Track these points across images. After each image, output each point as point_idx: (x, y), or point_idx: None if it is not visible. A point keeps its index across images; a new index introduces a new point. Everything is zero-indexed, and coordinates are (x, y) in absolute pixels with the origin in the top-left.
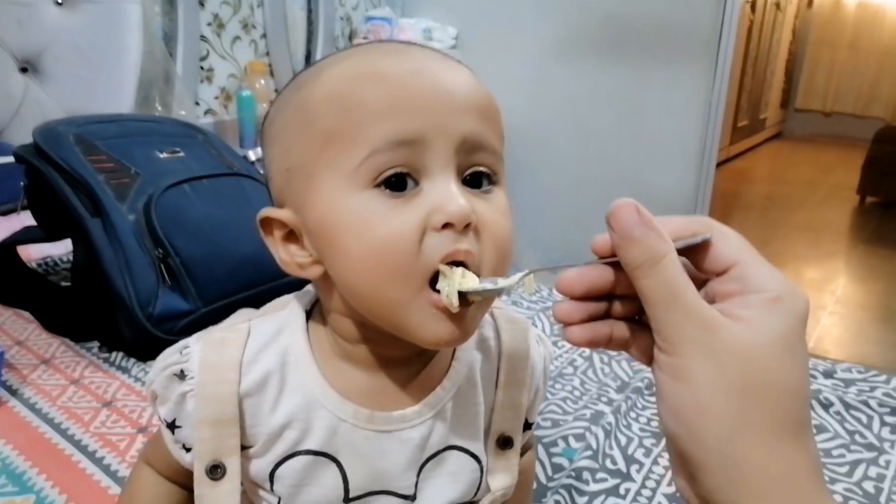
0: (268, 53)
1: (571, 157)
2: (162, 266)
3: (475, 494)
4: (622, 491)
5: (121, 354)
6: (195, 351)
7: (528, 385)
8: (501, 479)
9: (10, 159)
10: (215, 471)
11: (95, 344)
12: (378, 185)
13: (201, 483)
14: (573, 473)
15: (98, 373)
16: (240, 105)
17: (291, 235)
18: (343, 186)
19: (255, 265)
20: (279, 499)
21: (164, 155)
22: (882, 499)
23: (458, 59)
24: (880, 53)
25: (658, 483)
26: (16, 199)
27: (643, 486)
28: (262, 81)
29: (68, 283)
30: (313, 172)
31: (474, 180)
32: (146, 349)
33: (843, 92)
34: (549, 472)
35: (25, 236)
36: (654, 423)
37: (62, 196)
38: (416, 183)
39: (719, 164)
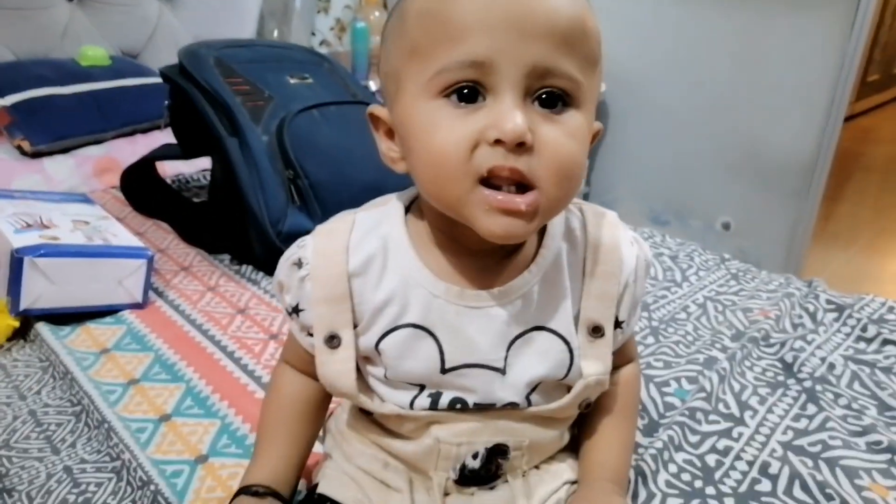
0: None
1: (680, 106)
2: (292, 186)
3: (566, 375)
4: (735, 434)
5: (250, 268)
6: (309, 241)
7: (616, 276)
8: (593, 366)
9: (157, 80)
10: (332, 340)
11: (227, 256)
12: (447, 95)
13: (321, 352)
14: (686, 412)
15: (231, 283)
16: (354, 37)
17: (391, 131)
18: (418, 94)
19: (375, 191)
20: (385, 370)
21: (293, 80)
22: None
23: None
24: None
25: (773, 430)
26: (155, 118)
27: (757, 431)
28: (377, 13)
29: (200, 199)
30: (401, 79)
31: (549, 100)
32: (274, 264)
33: None
34: (661, 409)
35: (164, 153)
36: (770, 374)
37: (204, 115)
38: (484, 97)
39: (843, 122)
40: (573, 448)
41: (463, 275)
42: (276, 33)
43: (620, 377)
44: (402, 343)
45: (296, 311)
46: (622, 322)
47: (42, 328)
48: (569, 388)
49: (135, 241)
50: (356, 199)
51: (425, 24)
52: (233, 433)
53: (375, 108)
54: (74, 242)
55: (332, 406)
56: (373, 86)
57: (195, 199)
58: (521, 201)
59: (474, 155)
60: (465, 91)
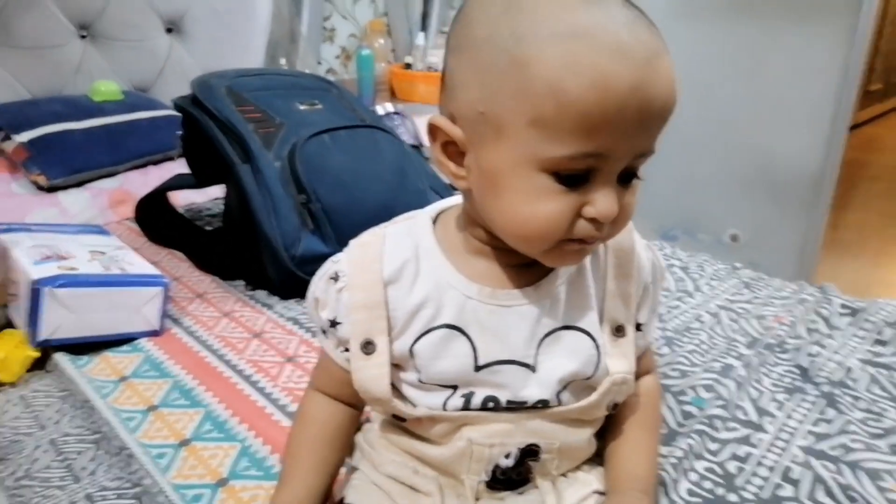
0: (386, 14)
1: (690, 121)
2: (305, 211)
3: (594, 372)
4: (755, 441)
5: (265, 293)
6: (343, 256)
7: (635, 278)
8: (619, 364)
9: (168, 112)
10: (368, 346)
11: (241, 282)
12: (555, 173)
13: (357, 358)
14: (705, 421)
15: (246, 308)
16: (359, 64)
17: (451, 147)
18: (525, 162)
19: (388, 212)
20: (418, 373)
21: (303, 107)
22: None
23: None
24: None
25: (793, 435)
26: (167, 149)
27: (777, 437)
28: (381, 41)
29: (212, 227)
30: (505, 131)
31: (629, 177)
32: (289, 288)
33: None
34: (679, 417)
35: (177, 182)
36: (787, 379)
37: (216, 143)
38: (587, 179)
39: (848, 131)
40: (600, 460)
41: (494, 276)
42: (283, 62)
43: (641, 387)
44: (436, 343)
45: (333, 324)
46: (642, 325)
47: (60, 358)
48: (593, 390)
49: (151, 270)
50: (368, 220)
51: (559, 104)
52: (252, 455)
53: (445, 125)
54: (92, 272)
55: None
56: (380, 110)
57: (208, 228)
58: (590, 249)
59: (569, 226)
60: (576, 177)
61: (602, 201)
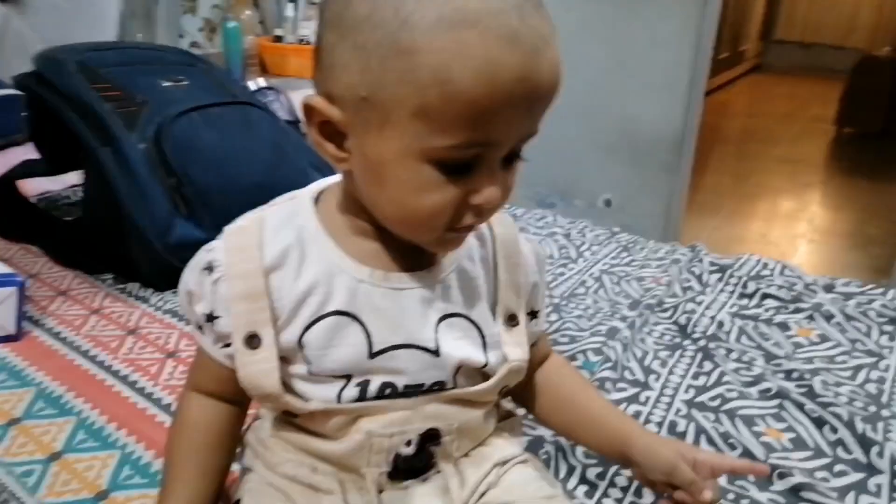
0: None
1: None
2: (176, 195)
3: (485, 362)
4: (642, 398)
5: (137, 285)
6: (218, 244)
7: (523, 268)
8: (515, 352)
9: (12, 91)
10: (252, 340)
11: (109, 276)
12: (440, 163)
13: (241, 353)
14: (596, 384)
15: (117, 303)
16: (226, 37)
17: (329, 127)
18: (409, 152)
19: (267, 192)
20: (308, 365)
21: (168, 83)
22: (884, 399)
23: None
24: None
25: (675, 391)
26: (11, 133)
27: (661, 393)
28: (248, 12)
29: (71, 218)
30: (392, 122)
31: (510, 158)
32: (164, 278)
33: (822, 22)
34: None
35: (26, 170)
36: (667, 337)
37: (70, 125)
38: (472, 166)
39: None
40: (496, 431)
41: (384, 259)
42: (140, 36)
43: (557, 363)
44: (327, 332)
45: (210, 319)
46: (536, 311)
47: None
48: (484, 376)
49: (2, 268)
50: (246, 202)
51: (445, 94)
52: (135, 463)
53: (322, 105)
54: None
55: (247, 419)
56: (251, 86)
57: (66, 218)
58: (470, 234)
59: (455, 215)
60: (461, 166)
61: (488, 189)
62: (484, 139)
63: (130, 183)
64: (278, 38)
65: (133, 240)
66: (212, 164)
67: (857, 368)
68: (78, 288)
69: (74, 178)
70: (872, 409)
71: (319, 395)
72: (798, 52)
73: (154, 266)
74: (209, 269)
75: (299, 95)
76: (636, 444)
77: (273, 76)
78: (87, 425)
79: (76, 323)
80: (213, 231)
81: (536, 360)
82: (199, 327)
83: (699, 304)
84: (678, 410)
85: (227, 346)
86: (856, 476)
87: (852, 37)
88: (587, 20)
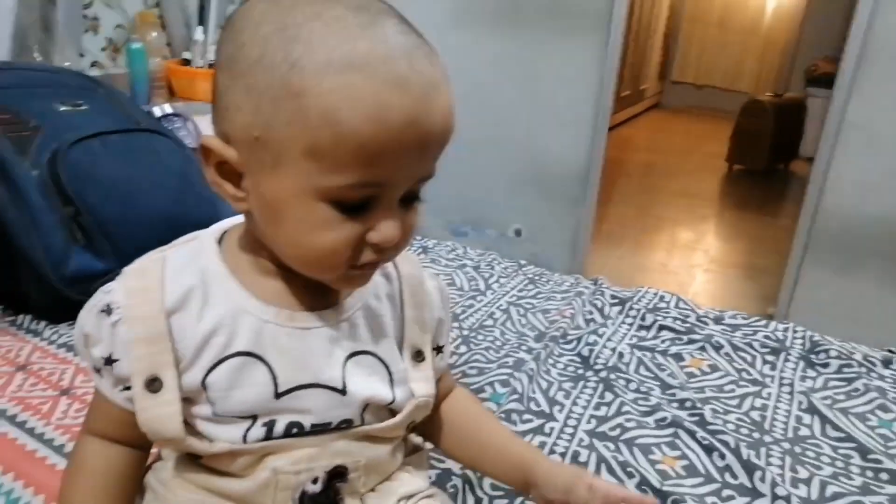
0: (158, 5)
1: (470, 123)
2: (74, 224)
3: (392, 399)
4: (547, 429)
5: (29, 317)
6: (117, 285)
7: (428, 305)
8: (422, 387)
9: None
10: (153, 383)
11: None
12: (335, 203)
13: (142, 398)
14: (502, 416)
15: (6, 336)
16: (130, 58)
17: (227, 167)
18: (306, 192)
19: (173, 223)
20: (212, 406)
21: (64, 108)
22: (766, 425)
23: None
24: (745, 32)
25: (578, 421)
26: None
27: (565, 424)
28: (154, 34)
29: None
30: (285, 162)
31: (411, 199)
32: (59, 311)
33: (713, 66)
34: None
35: None
36: (571, 368)
37: None
38: (368, 206)
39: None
40: (402, 466)
41: (289, 298)
42: (37, 55)
43: (461, 395)
44: (230, 374)
45: (109, 362)
46: (441, 346)
47: None
48: (391, 412)
49: None
50: (150, 233)
51: (335, 135)
52: None
53: (211, 142)
54: None
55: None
56: (157, 111)
57: None
58: (376, 272)
59: (354, 253)
60: (357, 205)
61: (385, 227)
62: (376, 179)
63: (21, 210)
64: (186, 62)
65: (24, 270)
66: (113, 193)
67: (743, 397)
68: None
69: None
70: (756, 435)
71: (224, 435)
72: (693, 92)
73: (48, 298)
74: (107, 311)
75: (207, 121)
76: (539, 468)
77: (181, 100)
78: None
79: None
80: (115, 261)
81: (441, 394)
82: (97, 370)
83: (601, 335)
84: (581, 440)
85: (127, 388)
86: (741, 500)
87: (739, 81)
88: (498, 56)
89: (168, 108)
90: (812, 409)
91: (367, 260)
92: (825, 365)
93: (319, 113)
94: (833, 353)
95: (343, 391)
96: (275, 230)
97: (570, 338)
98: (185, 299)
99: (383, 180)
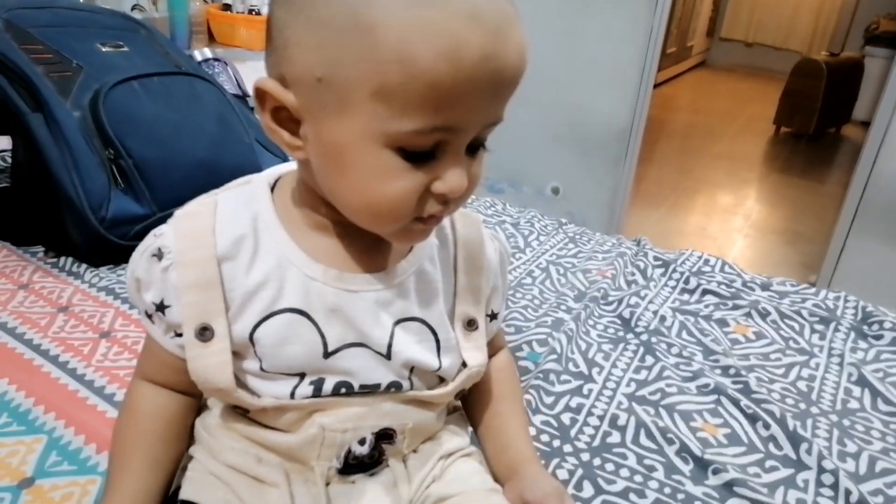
0: None
1: None
2: (113, 167)
3: (438, 366)
4: (585, 391)
5: (70, 259)
6: (168, 229)
7: (485, 272)
8: (474, 357)
9: None
10: (204, 332)
11: (40, 249)
12: (403, 149)
13: (193, 346)
14: (540, 375)
15: (48, 278)
16: (171, 2)
17: (285, 112)
18: (370, 137)
19: (211, 169)
20: (260, 361)
21: (106, 48)
22: (814, 396)
23: None
24: None
25: (618, 384)
26: None
27: (604, 386)
28: None
29: (5, 185)
30: (352, 104)
31: (474, 147)
32: (99, 254)
33: (765, 23)
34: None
35: None
36: (612, 330)
37: None
38: (436, 153)
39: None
40: (444, 425)
41: (339, 257)
42: None
43: (500, 364)
44: (279, 329)
45: (160, 308)
46: (496, 314)
47: None
48: (440, 379)
49: None
50: (189, 178)
51: (406, 74)
52: (63, 448)
53: (267, 84)
54: None
55: None
56: (198, 56)
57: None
58: (437, 226)
59: (418, 203)
60: (424, 153)
61: (451, 177)
62: (447, 124)
63: (63, 152)
64: (227, 7)
65: (66, 212)
66: (153, 137)
67: (790, 366)
68: (4, 261)
69: (3, 142)
70: (802, 406)
71: (272, 391)
72: (742, 50)
73: (88, 240)
74: (158, 255)
75: (247, 68)
76: (531, 466)
77: (220, 46)
78: (10, 407)
79: (2, 299)
80: (153, 206)
81: (489, 354)
82: (149, 316)
83: (643, 298)
84: (620, 404)
85: (179, 335)
86: (785, 472)
87: (792, 39)
88: (542, 11)
89: (208, 53)
90: (862, 382)
91: (432, 212)
92: (878, 337)
93: (391, 49)
94: (887, 325)
95: (388, 356)
96: (335, 180)
97: (610, 299)
98: (236, 248)
99: (453, 124)
